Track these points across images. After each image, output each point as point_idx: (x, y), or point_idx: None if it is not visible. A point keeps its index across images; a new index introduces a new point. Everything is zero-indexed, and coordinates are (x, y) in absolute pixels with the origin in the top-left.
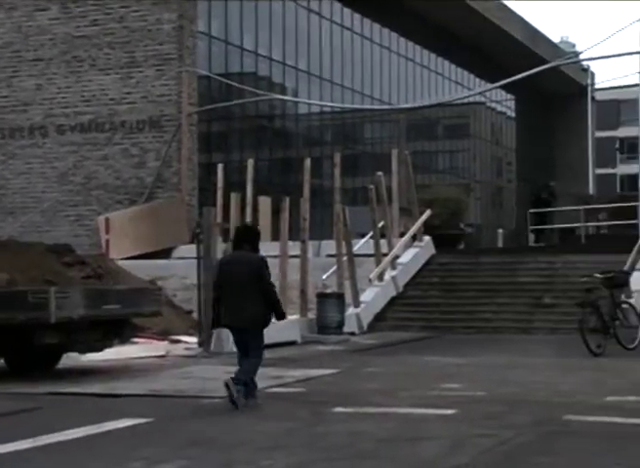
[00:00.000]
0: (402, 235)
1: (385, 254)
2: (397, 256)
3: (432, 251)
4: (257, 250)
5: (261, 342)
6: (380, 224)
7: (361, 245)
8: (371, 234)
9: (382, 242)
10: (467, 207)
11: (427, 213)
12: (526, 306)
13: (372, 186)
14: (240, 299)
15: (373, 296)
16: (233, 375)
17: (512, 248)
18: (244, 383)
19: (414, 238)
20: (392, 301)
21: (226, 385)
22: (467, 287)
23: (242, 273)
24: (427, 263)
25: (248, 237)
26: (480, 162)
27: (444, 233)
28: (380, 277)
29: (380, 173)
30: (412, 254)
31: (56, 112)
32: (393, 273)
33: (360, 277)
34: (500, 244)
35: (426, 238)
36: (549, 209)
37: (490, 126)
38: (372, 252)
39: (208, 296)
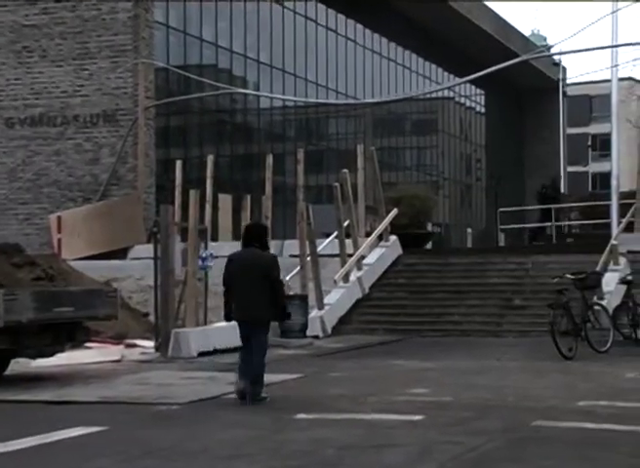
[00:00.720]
0: (368, 235)
1: (351, 255)
2: (363, 257)
3: (399, 251)
4: (266, 247)
5: (265, 339)
6: (346, 223)
7: (325, 245)
8: (336, 234)
9: (348, 242)
10: (435, 205)
11: (394, 211)
12: (496, 308)
13: (336, 184)
14: (248, 295)
15: (338, 298)
16: (236, 373)
17: (482, 248)
18: (252, 381)
19: (380, 238)
20: (358, 303)
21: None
22: (435, 288)
23: (251, 269)
24: (394, 264)
25: (257, 235)
26: (448, 159)
27: (411, 233)
28: (346, 278)
29: (345, 170)
30: (378, 255)
31: (4, 105)
32: (359, 274)
33: (324, 278)
34: (469, 244)
35: (393, 238)
36: (551, 205)
37: (459, 121)
38: (337, 252)
39: (166, 298)
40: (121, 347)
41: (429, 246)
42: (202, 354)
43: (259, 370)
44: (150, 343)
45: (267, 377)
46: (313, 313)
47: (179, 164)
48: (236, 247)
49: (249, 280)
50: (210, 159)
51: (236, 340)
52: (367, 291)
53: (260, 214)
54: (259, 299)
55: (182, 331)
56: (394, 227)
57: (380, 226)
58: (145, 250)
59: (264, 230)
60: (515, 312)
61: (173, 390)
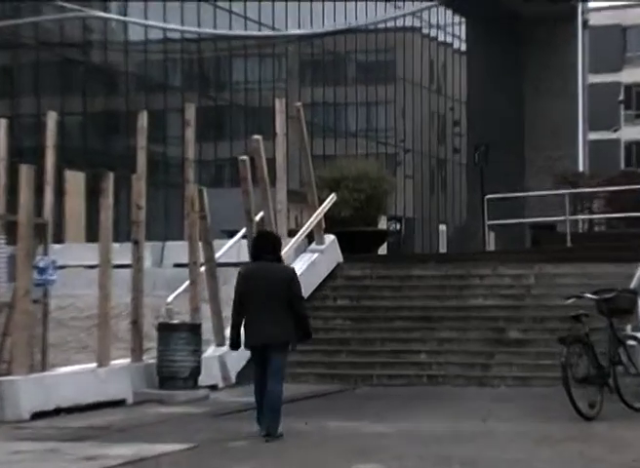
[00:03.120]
0: (292, 234)
1: None
2: None
3: (339, 258)
4: (280, 259)
5: (285, 364)
6: (259, 217)
7: (228, 249)
8: (243, 232)
9: None
10: (393, 190)
11: (331, 199)
12: (481, 343)
13: (244, 157)
14: (264, 315)
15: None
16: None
17: (462, 253)
18: (271, 417)
19: (310, 238)
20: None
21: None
22: (392, 314)
23: (267, 286)
24: (331, 277)
25: (268, 246)
26: (412, 121)
27: (357, 231)
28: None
29: (257, 136)
30: (307, 263)
31: None
32: None
33: (226, 298)
34: (442, 247)
35: (330, 238)
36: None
37: (427, 65)
38: (244, 259)
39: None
40: None
41: (383, 250)
42: (38, 415)
43: (278, 403)
44: None
45: (139, 449)
46: (209, 351)
47: (2, 124)
48: (91, 250)
49: (266, 298)
50: (51, 117)
51: (93, 392)
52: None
53: (128, 202)
54: (278, 319)
55: (7, 381)
56: (332, 222)
57: (311, 221)
58: None
59: (279, 241)
60: (510, 349)
61: None
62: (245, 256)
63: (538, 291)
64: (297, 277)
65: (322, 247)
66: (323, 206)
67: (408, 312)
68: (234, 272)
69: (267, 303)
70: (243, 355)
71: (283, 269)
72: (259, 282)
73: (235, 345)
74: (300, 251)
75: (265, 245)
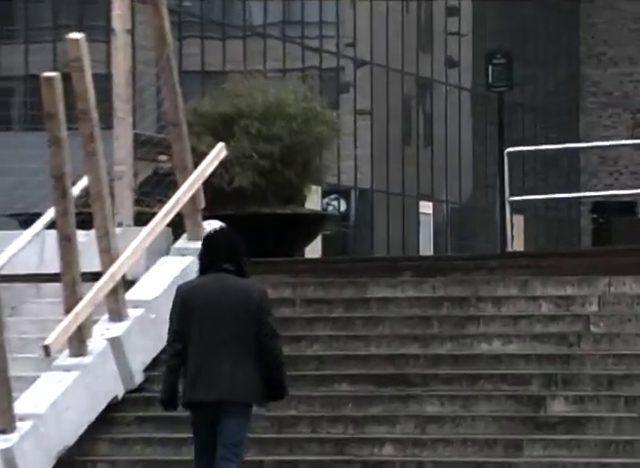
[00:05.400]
0: (143, 220)
1: (96, 274)
2: (131, 282)
3: None
4: (243, 270)
5: (245, 433)
6: (79, 188)
7: (19, 250)
8: (50, 219)
9: (86, 238)
10: (334, 137)
11: (217, 154)
12: (500, 425)
13: (53, 74)
14: (218, 358)
15: (56, 400)
16: None
17: (463, 257)
18: None
19: (177, 228)
20: (112, 412)
21: None
22: (333, 370)
23: (223, 313)
24: None
25: (228, 249)
26: (371, 10)
27: (266, 214)
28: (80, 343)
29: (76, 34)
30: (171, 275)
31: None
32: (117, 331)
33: (17, 342)
34: (427, 246)
35: (214, 224)
36: None
37: None
38: (54, 270)
39: None
40: None
41: (316, 250)
42: None
43: None
44: None
45: None
46: None
47: None
48: None
49: (221, 332)
50: None
51: None
52: (138, 376)
53: None
54: (238, 366)
55: None
56: (219, 199)
57: (177, 196)
58: None
59: (239, 242)
60: (552, 436)
61: None
62: (53, 262)
63: (604, 327)
64: (267, 299)
65: (200, 244)
66: (201, 167)
67: (362, 367)
68: (33, 291)
69: (223, 340)
70: (50, 445)
71: (247, 287)
72: (210, 307)
73: (169, 401)
74: (157, 252)
75: (219, 247)
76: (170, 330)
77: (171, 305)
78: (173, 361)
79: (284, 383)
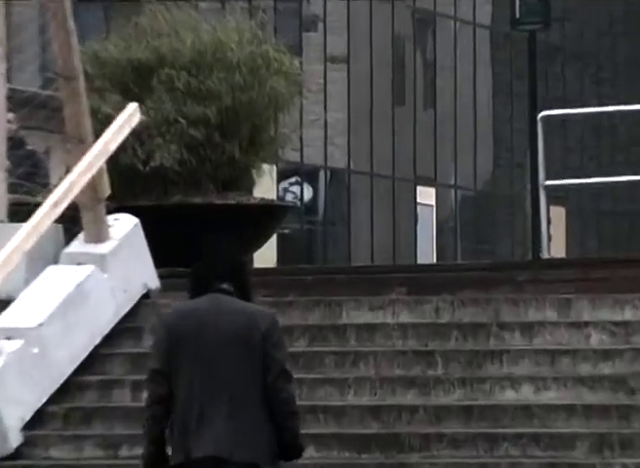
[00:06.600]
0: (23, 215)
1: None
2: (3, 301)
3: (148, 278)
4: (246, 291)
5: None
6: None
7: None
8: None
9: None
10: (294, 96)
11: (129, 115)
12: None
13: None
14: (215, 404)
15: None
16: None
17: (479, 265)
18: None
19: (70, 223)
20: None
21: None
22: (303, 428)
23: (222, 344)
24: (126, 333)
25: (228, 266)
26: None
27: (198, 205)
28: None
29: None
30: (63, 289)
31: None
32: None
33: None
34: (426, 252)
35: (124, 224)
36: None
37: None
38: None
39: None
40: None
41: (271, 257)
42: None
43: None
44: None
45: None
46: None
47: None
48: None
49: (217, 368)
50: None
51: None
52: (14, 437)
53: None
54: (238, 413)
55: None
56: (135, 183)
57: (71, 178)
58: None
59: (240, 258)
60: None
61: None
62: None
63: None
64: (278, 328)
65: (104, 248)
66: (104, 138)
67: (336, 425)
68: None
69: (220, 381)
70: None
71: (252, 313)
72: (202, 339)
73: (156, 462)
74: (42, 259)
75: (221, 264)
76: (150, 369)
77: (152, 339)
78: (154, 410)
79: (297, 439)
